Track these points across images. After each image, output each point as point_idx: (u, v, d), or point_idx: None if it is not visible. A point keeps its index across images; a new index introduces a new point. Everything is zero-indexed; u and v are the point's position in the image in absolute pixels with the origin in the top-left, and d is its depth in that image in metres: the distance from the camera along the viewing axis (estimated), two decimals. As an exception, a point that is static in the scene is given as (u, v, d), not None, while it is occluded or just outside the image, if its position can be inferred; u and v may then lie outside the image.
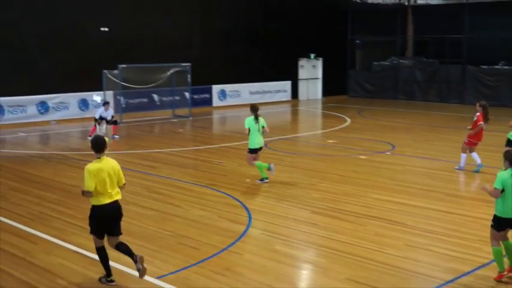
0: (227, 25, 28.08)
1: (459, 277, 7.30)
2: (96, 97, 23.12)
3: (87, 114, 23.10)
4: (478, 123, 13.37)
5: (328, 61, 32.76)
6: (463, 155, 13.66)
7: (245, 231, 9.13)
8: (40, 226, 9.44)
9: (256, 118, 12.42)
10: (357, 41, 33.87)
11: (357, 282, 7.17)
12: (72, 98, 23.04)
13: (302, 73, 32.20)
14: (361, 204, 10.72)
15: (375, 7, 34.50)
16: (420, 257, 8.11)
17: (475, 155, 13.52)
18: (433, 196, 11.41)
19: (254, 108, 12.47)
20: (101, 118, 18.43)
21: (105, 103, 18.75)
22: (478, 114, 13.42)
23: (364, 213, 10.17)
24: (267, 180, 12.47)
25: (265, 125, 12.56)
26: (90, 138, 17.89)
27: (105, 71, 22.20)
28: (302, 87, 32.23)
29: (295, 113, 28.15)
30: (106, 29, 23.85)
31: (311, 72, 32.66)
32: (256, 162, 12.44)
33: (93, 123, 18.68)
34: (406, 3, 34.61)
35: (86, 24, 23.34)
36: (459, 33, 30.16)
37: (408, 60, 33.14)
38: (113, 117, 18.61)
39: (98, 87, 22.55)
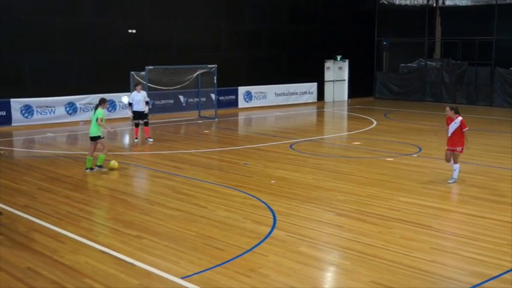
0: (253, 27, 28.13)
1: (486, 281, 7.21)
2: (124, 98, 23.32)
3: (115, 115, 23.35)
4: (465, 130, 12.43)
5: (355, 63, 32.60)
6: (457, 166, 12.52)
7: (270, 233, 9.13)
8: (68, 226, 9.56)
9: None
10: (384, 43, 33.61)
11: (382, 285, 7.12)
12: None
13: (328, 75, 32.08)
14: (387, 207, 10.65)
15: (403, 8, 34.26)
16: (447, 261, 8.02)
17: (458, 166, 12.53)
18: (461, 199, 11.29)
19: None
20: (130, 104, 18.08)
21: (136, 85, 18.65)
22: (461, 119, 12.47)
23: (390, 216, 10.09)
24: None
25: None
26: (136, 140, 18.13)
27: (133, 73, 22.41)
28: (328, 89, 32.12)
29: (320, 114, 28.07)
30: (133, 31, 24.08)
31: (337, 73, 32.54)
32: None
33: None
34: (434, 5, 34.29)
35: (114, 26, 23.61)
36: (488, 35, 29.75)
37: (436, 62, 32.80)
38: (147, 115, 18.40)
39: (125, 88, 22.77)
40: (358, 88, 32.76)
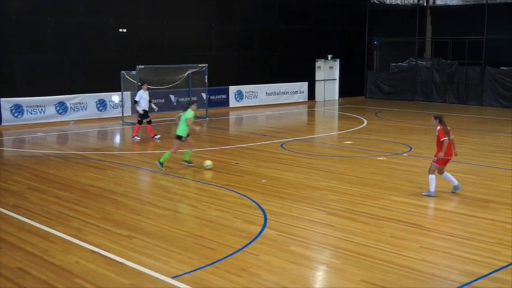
0: (244, 26, 28.10)
1: (476, 280, 7.23)
2: (114, 97, 23.29)
3: (105, 115, 23.28)
4: (441, 140, 11.34)
5: (346, 62, 32.65)
6: (432, 177, 11.47)
7: (261, 232, 9.12)
8: (58, 225, 9.51)
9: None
10: (375, 42, 33.70)
11: (372, 284, 7.12)
12: (90, 99, 23.19)
13: (319, 74, 32.10)
14: (378, 206, 10.67)
15: (394, 8, 34.35)
16: (438, 260, 8.04)
17: (447, 175, 11.68)
18: (452, 199, 11.31)
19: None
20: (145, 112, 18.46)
21: (142, 84, 18.90)
22: (438, 128, 11.43)
23: (381, 215, 10.11)
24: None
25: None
26: (136, 138, 18.29)
27: (123, 72, 22.34)
28: (319, 88, 32.14)
29: (311, 114, 28.09)
30: (124, 30, 24.00)
31: (328, 73, 32.57)
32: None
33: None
34: (425, 4, 34.40)
35: (105, 25, 23.51)
36: (478, 34, 29.89)
37: (426, 62, 32.92)
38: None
39: (116, 87, 22.71)
40: (349, 87, 32.82)
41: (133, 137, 18.47)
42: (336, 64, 32.74)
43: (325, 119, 27.18)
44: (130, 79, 22.28)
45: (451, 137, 11.42)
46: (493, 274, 7.44)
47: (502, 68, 29.30)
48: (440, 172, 11.62)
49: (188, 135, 14.03)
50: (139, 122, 18.57)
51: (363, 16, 33.38)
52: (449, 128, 11.48)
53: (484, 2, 30.18)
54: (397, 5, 34.60)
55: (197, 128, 14.25)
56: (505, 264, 7.74)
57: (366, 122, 23.06)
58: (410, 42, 33.41)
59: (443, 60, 32.12)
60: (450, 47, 32.39)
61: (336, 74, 32.92)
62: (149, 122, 18.66)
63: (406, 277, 7.36)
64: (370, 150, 16.57)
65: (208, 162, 14.02)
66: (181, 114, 14.05)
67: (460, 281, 7.23)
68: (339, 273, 7.58)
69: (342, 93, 32.89)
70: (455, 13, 33.40)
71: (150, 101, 18.73)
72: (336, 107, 30.06)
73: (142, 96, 18.38)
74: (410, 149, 16.78)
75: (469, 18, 31.32)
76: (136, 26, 24.27)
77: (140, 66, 21.98)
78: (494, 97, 29.33)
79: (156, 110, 19.19)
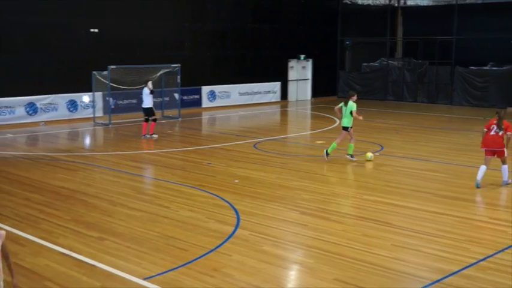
0: (217, 26, 28.04)
1: (446, 277, 7.33)
2: (85, 97, 23.05)
3: (77, 116, 23.02)
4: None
5: (318, 62, 32.79)
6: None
7: (233, 232, 9.11)
8: (28, 228, 9.37)
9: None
10: (347, 42, 33.93)
11: (344, 282, 7.17)
12: (61, 99, 22.89)
13: (292, 74, 32.20)
14: (350, 205, 10.75)
15: (365, 8, 34.62)
16: (408, 257, 8.13)
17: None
18: (422, 197, 11.43)
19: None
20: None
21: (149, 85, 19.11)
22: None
23: (353, 214, 10.19)
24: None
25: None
26: (152, 136, 18.47)
27: (95, 72, 22.12)
28: (292, 88, 32.23)
29: (284, 114, 28.16)
30: (96, 30, 23.76)
31: (301, 73, 32.68)
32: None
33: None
34: (396, 5, 34.73)
35: (76, 25, 23.22)
36: (448, 35, 30.30)
37: (397, 61, 33.25)
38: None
39: (87, 88, 22.47)
40: (322, 87, 32.98)
41: (150, 135, 18.58)
42: (309, 64, 32.87)
43: (297, 119, 27.26)
44: (102, 79, 22.07)
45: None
46: (463, 271, 7.54)
47: (471, 67, 29.73)
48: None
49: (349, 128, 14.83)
50: (146, 120, 18.79)
51: (335, 16, 33.58)
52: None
53: (454, 2, 30.58)
54: (368, 5, 34.90)
55: (361, 117, 15.05)
56: (474, 261, 7.85)
57: (338, 121, 23.16)
58: (381, 42, 33.74)
59: (414, 60, 32.48)
60: (421, 47, 32.78)
61: (309, 73, 33.05)
62: (147, 120, 18.75)
63: (377, 275, 7.42)
64: (342, 150, 16.64)
65: (369, 155, 14.99)
66: (341, 105, 14.93)
67: (430, 278, 7.31)
68: (312, 272, 7.61)
69: (315, 93, 33.04)
70: (425, 14, 33.80)
71: (151, 92, 18.94)
72: (309, 106, 30.18)
73: (144, 93, 18.80)
74: (382, 148, 16.92)
75: (439, 18, 31.75)
76: (108, 26, 24.03)
77: (112, 67, 21.79)
78: (464, 96, 29.74)
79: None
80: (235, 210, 10.34)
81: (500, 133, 12.07)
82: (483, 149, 12.30)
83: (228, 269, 7.60)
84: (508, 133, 12.02)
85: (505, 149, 12.11)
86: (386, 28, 33.44)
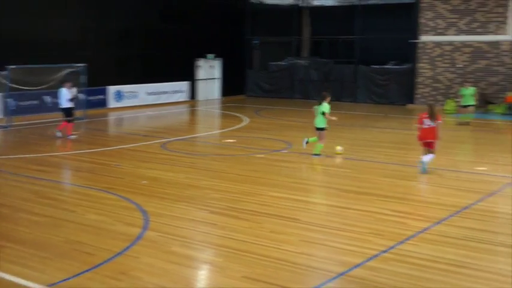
0: (123, 25, 27.51)
1: (351, 269, 7.56)
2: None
3: (-26, 118, 21.91)
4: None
5: (226, 61, 32.90)
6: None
7: (142, 234, 8.98)
8: None
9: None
10: (255, 41, 34.27)
11: (253, 279, 7.25)
12: (-44, 101, 21.72)
13: (200, 73, 32.12)
14: (258, 203, 10.85)
15: (272, 8, 35.05)
16: (315, 252, 8.33)
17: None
18: (329, 192, 11.75)
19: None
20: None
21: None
22: None
23: (261, 212, 10.30)
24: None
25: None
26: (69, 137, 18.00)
27: (-7, 72, 21.14)
28: (200, 87, 32.14)
29: (193, 113, 28.06)
30: (-7, 28, 22.69)
31: (209, 72, 32.66)
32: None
33: None
34: (302, 4, 35.41)
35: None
36: (352, 34, 31.28)
37: (304, 60, 33.93)
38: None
39: (-16, 89, 21.44)
40: (230, 86, 33.11)
41: (67, 135, 18.20)
42: (217, 63, 32.92)
43: (206, 118, 27.25)
44: (1, 79, 21.10)
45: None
46: (367, 263, 7.81)
47: (373, 66, 30.84)
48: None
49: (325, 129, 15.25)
50: (67, 121, 18.43)
51: (242, 16, 33.81)
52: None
53: (357, 3, 31.59)
54: (275, 5, 35.36)
55: (334, 118, 15.33)
56: (377, 252, 8.15)
57: (247, 120, 23.39)
58: (288, 41, 34.33)
59: (320, 59, 33.28)
60: (326, 46, 33.64)
61: (217, 73, 33.09)
62: (68, 121, 18.36)
63: (285, 270, 7.55)
64: (251, 148, 16.82)
65: (339, 147, 15.63)
66: (316, 107, 15.29)
67: (336, 271, 7.52)
68: (221, 270, 7.64)
69: (224, 92, 33.13)
70: (330, 14, 34.66)
71: (72, 99, 18.57)
72: (218, 106, 30.25)
73: (62, 93, 18.41)
74: (290, 145, 17.22)
75: (343, 18, 32.67)
76: (7, 25, 22.98)
77: (12, 67, 20.90)
78: (367, 94, 30.82)
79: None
80: (144, 211, 10.20)
81: (433, 125, 13.14)
82: (420, 142, 13.51)
83: (136, 272, 7.49)
84: (438, 121, 13.19)
85: (436, 141, 13.25)
86: (293, 28, 34.05)
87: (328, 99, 15.32)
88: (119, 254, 8.11)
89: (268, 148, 16.86)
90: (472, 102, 22.27)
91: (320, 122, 15.16)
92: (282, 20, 34.40)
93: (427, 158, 13.27)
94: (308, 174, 13.51)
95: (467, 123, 21.75)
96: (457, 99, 27.35)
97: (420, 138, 13.48)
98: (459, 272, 7.51)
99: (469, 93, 22.18)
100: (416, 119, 13.74)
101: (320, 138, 15.33)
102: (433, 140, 13.29)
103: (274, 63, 34.38)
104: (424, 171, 13.16)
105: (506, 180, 12.64)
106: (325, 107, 15.12)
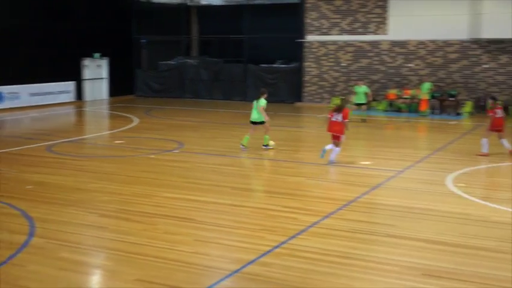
0: (4, 24, 26.11)
1: (245, 266, 7.65)
2: None
3: None
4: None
5: (114, 61, 32.16)
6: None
7: (27, 242, 8.59)
8: None
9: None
10: (143, 40, 33.77)
11: (147, 282, 7.14)
12: None
13: (86, 73, 31.18)
14: (151, 204, 10.71)
15: (160, 6, 34.68)
16: (209, 251, 8.34)
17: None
18: (222, 191, 11.80)
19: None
20: None
21: None
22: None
23: (154, 213, 10.17)
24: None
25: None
26: None
27: None
28: (87, 87, 31.20)
29: (80, 114, 27.20)
30: None
31: (96, 72, 31.78)
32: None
33: None
34: (190, 3, 35.31)
35: None
36: (240, 34, 31.62)
37: (193, 60, 33.87)
38: None
39: None
40: (119, 86, 32.39)
41: None
42: (104, 63, 32.10)
43: (94, 119, 26.50)
44: None
45: None
46: (260, 259, 7.93)
47: (262, 65, 31.35)
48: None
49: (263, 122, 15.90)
50: None
51: (129, 14, 33.16)
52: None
53: (245, 3, 31.96)
54: (163, 3, 35.01)
55: (268, 118, 16.00)
56: (269, 248, 8.30)
57: (137, 120, 23.00)
58: (177, 40, 34.12)
59: (209, 58, 33.36)
60: (215, 45, 33.76)
61: (104, 72, 32.28)
62: None
63: (180, 271, 7.51)
64: (142, 149, 16.57)
65: (272, 143, 16.30)
66: (254, 102, 16.11)
67: (230, 269, 7.58)
68: (112, 274, 7.47)
69: (112, 92, 32.36)
70: (219, 13, 34.84)
71: None
72: (106, 106, 29.52)
73: None
74: (182, 145, 17.13)
75: (231, 18, 32.94)
76: None
77: None
78: (257, 92, 31.08)
79: None
80: (29, 218, 9.75)
81: (340, 119, 14.07)
82: (329, 133, 14.43)
83: (23, 281, 7.15)
84: (345, 121, 14.12)
85: (343, 135, 14.18)
86: (181, 27, 33.89)
87: (266, 95, 16.25)
88: (3, 263, 7.71)
89: (160, 148, 16.69)
90: (364, 101, 23.17)
91: (258, 116, 15.96)
92: (170, 19, 34.13)
93: (329, 146, 14.23)
94: (200, 173, 13.51)
95: (363, 120, 22.58)
96: (343, 97, 28.45)
97: (328, 130, 14.46)
98: (347, 263, 7.81)
99: (362, 91, 23.04)
100: (328, 111, 14.81)
101: (266, 130, 16.21)
102: (338, 134, 14.15)
103: (164, 62, 34.04)
104: (323, 157, 14.23)
105: (390, 174, 13.29)
106: (262, 102, 15.97)
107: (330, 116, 14.39)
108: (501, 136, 15.43)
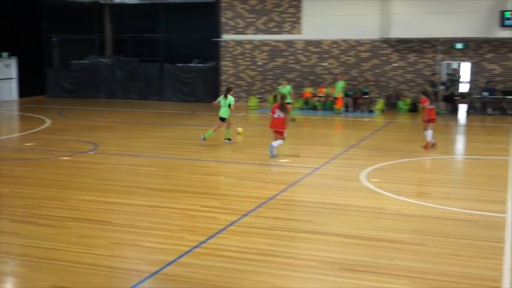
0: None
1: (164, 267, 7.56)
2: None
3: None
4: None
5: (24, 60, 30.91)
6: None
7: None
8: None
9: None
10: (54, 39, 32.70)
11: (62, 287, 6.92)
12: None
13: (-6, 73, 29.85)
14: (65, 207, 10.39)
15: (72, 4, 33.68)
16: (127, 253, 8.19)
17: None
18: (139, 192, 11.61)
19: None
20: None
21: None
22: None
23: (69, 216, 9.86)
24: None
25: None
26: None
27: None
28: (-5, 88, 29.90)
29: (-12, 116, 26.01)
30: None
31: (4, 72, 30.45)
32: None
33: None
34: (103, 2, 34.52)
35: None
36: (155, 32, 31.23)
37: (107, 59, 33.15)
38: None
39: None
40: (29, 86, 31.17)
41: None
42: (13, 62, 30.82)
43: (3, 121, 25.34)
44: None
45: None
46: (179, 259, 7.86)
47: (178, 64, 31.12)
48: None
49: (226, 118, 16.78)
50: None
51: (40, 12, 31.98)
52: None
53: (158, 1, 31.59)
54: (75, 1, 34.03)
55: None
56: (189, 248, 8.24)
57: (49, 121, 22.25)
58: (90, 39, 33.28)
59: (124, 58, 32.76)
60: (130, 44, 33.18)
61: (13, 72, 30.98)
62: None
63: (97, 275, 7.33)
64: (55, 151, 16.03)
65: (240, 129, 18.57)
66: (220, 99, 16.97)
67: (149, 271, 7.46)
68: (25, 282, 7.19)
69: (21, 92, 31.10)
70: (132, 12, 34.25)
71: None
72: (15, 107, 28.36)
73: None
74: (97, 146, 16.73)
75: (146, 17, 32.47)
76: None
77: None
78: (173, 92, 31.01)
79: None
80: None
81: (282, 115, 14.96)
82: (271, 129, 15.25)
83: None
84: (286, 115, 15.14)
85: (285, 130, 15.09)
86: (94, 25, 33.09)
87: (232, 92, 17.41)
88: None
89: (74, 150, 16.21)
90: (290, 100, 23.33)
91: (225, 112, 16.75)
92: (83, 17, 33.24)
93: (276, 143, 14.96)
94: (116, 175, 13.23)
95: (293, 120, 22.76)
96: (260, 96, 28.71)
97: (270, 126, 15.23)
98: (267, 260, 7.87)
99: (286, 91, 23.15)
100: (271, 109, 15.43)
101: (228, 125, 17.08)
102: (281, 129, 15.02)
103: (76, 61, 33.11)
104: (273, 155, 14.85)
105: (307, 171, 13.52)
106: (232, 99, 16.79)
107: (272, 113, 15.10)
108: (431, 127, 16.36)
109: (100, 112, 26.03)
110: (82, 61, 33.03)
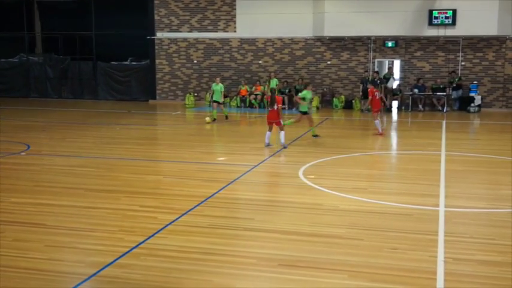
0: None
1: (102, 269, 7.43)
2: None
3: None
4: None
5: None
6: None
7: None
8: None
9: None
10: (-19, 37, 31.60)
11: (-3, 294, 6.72)
12: None
13: None
14: (-4, 211, 10.06)
15: (-1, 1, 32.66)
16: (64, 256, 8.01)
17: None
18: (76, 193, 11.36)
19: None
20: None
21: None
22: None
23: (1, 220, 9.55)
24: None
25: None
26: None
27: None
28: None
29: None
30: None
31: None
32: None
33: None
34: (32, -2, 33.60)
35: None
36: (88, 30, 30.62)
37: (38, 57, 32.30)
38: None
39: None
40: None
41: None
42: None
43: None
44: None
45: None
46: (118, 260, 7.74)
47: (112, 62, 30.63)
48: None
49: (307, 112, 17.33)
50: None
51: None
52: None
53: (90, -2, 31.03)
54: (1, -2, 32.98)
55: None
56: (127, 249, 8.13)
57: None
58: (19, 37, 32.31)
59: (56, 56, 31.99)
60: (61, 42, 32.40)
61: None
62: None
63: (33, 279, 7.13)
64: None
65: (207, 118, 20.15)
66: (300, 94, 17.48)
67: (87, 273, 7.32)
68: (-43, 289, 6.93)
69: None
70: (64, 8, 33.45)
71: None
72: None
73: None
74: (29, 147, 16.27)
75: (78, 14, 31.80)
76: None
77: None
78: (108, 91, 30.53)
79: None
80: None
81: (275, 108, 15.74)
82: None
83: None
84: (279, 106, 15.83)
85: (281, 120, 15.92)
86: (23, 23, 32.13)
87: (310, 87, 17.97)
88: None
89: (5, 151, 15.71)
90: (222, 98, 23.29)
91: (304, 107, 17.28)
92: (10, 15, 32.23)
93: (281, 136, 15.92)
94: (51, 176, 12.90)
95: (226, 118, 22.71)
96: (196, 94, 28.62)
97: (267, 119, 16.19)
98: (207, 259, 7.86)
99: (218, 89, 23.06)
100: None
101: (310, 122, 17.92)
102: (276, 120, 15.86)
103: (5, 60, 32.10)
104: (268, 145, 16.04)
105: (245, 168, 13.58)
106: (309, 93, 17.35)
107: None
108: (379, 116, 17.76)
109: (32, 112, 25.31)
110: (11, 59, 32.05)
